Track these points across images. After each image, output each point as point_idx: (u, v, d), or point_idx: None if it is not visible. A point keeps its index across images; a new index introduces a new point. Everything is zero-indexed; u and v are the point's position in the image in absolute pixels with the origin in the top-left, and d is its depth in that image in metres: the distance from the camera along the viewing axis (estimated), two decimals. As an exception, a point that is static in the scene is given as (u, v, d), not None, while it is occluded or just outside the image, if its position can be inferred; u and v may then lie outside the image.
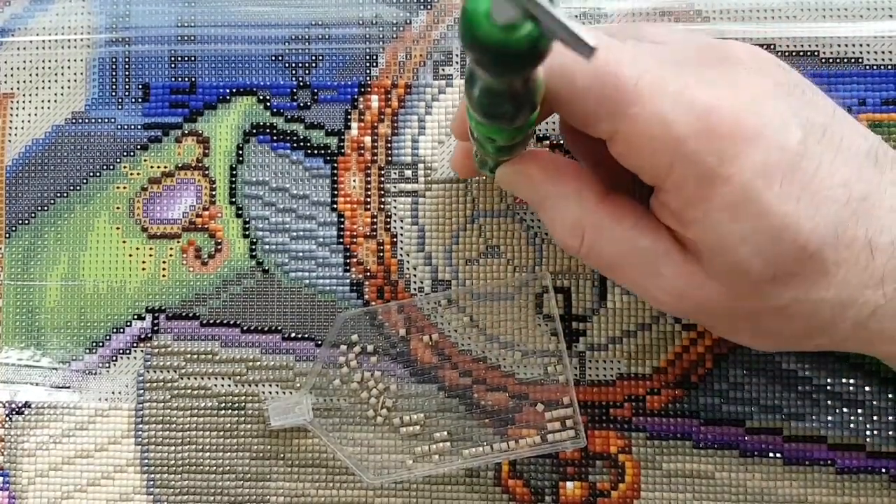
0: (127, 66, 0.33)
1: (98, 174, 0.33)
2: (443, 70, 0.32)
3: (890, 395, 0.30)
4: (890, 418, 0.29)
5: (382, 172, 0.32)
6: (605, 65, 0.21)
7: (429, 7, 0.32)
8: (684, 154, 0.21)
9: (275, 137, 0.33)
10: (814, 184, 0.22)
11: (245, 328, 0.32)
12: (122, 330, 0.33)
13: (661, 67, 0.22)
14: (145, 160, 0.33)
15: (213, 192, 0.33)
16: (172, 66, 0.33)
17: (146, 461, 0.32)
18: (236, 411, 0.32)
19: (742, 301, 0.23)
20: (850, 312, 0.23)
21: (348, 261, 0.32)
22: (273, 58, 0.33)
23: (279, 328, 0.32)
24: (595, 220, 0.24)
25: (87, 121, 0.33)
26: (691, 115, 0.21)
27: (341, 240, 0.32)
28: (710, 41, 0.24)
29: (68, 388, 0.33)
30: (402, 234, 0.32)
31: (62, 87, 0.34)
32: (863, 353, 0.25)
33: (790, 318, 0.23)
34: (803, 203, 0.21)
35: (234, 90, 0.33)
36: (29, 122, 0.34)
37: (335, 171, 0.32)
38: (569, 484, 0.31)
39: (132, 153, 0.33)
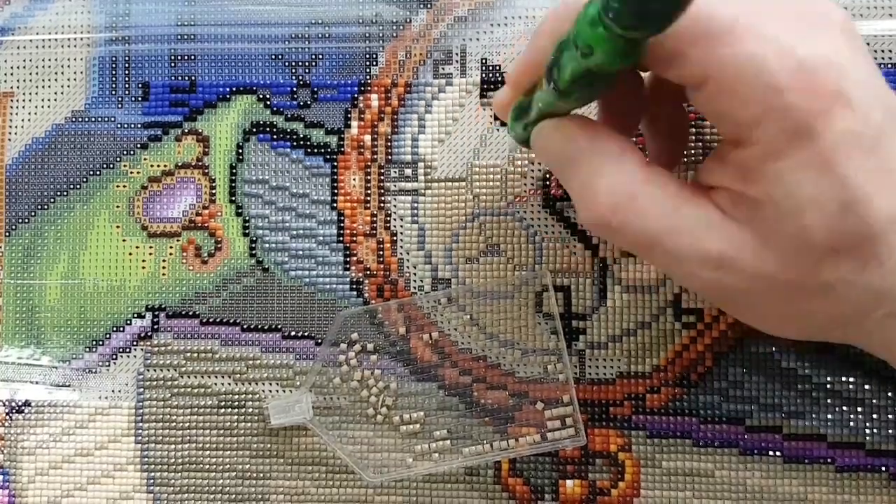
0: (127, 65, 0.33)
1: (98, 173, 0.33)
2: (443, 69, 0.32)
3: (889, 394, 0.30)
4: (889, 417, 0.30)
5: (382, 171, 0.32)
6: (700, 3, 0.20)
7: (429, 6, 0.33)
8: (780, 105, 0.20)
9: (275, 136, 0.33)
10: (888, 164, 0.21)
11: (245, 326, 0.32)
12: (122, 328, 0.33)
13: (759, 11, 0.21)
14: (145, 159, 0.33)
15: (213, 191, 0.33)
16: (172, 64, 0.33)
17: (146, 459, 0.32)
18: (236, 410, 0.32)
19: (790, 272, 0.22)
20: (885, 303, 0.22)
21: (348, 259, 0.32)
22: (273, 56, 0.33)
23: (279, 326, 0.32)
24: (635, 183, 0.23)
25: (87, 119, 0.33)
26: (791, 62, 0.20)
27: (341, 238, 0.32)
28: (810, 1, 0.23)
29: (68, 386, 0.33)
30: (401, 233, 0.32)
31: (62, 86, 0.34)
32: (880, 354, 0.25)
33: (829, 300, 0.22)
34: (878, 181, 0.21)
35: (233, 89, 0.33)
36: (29, 120, 0.34)
37: (335, 170, 0.33)
38: (569, 482, 0.31)
39: (132, 152, 0.33)
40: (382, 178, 0.32)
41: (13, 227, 0.33)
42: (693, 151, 0.31)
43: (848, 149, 0.21)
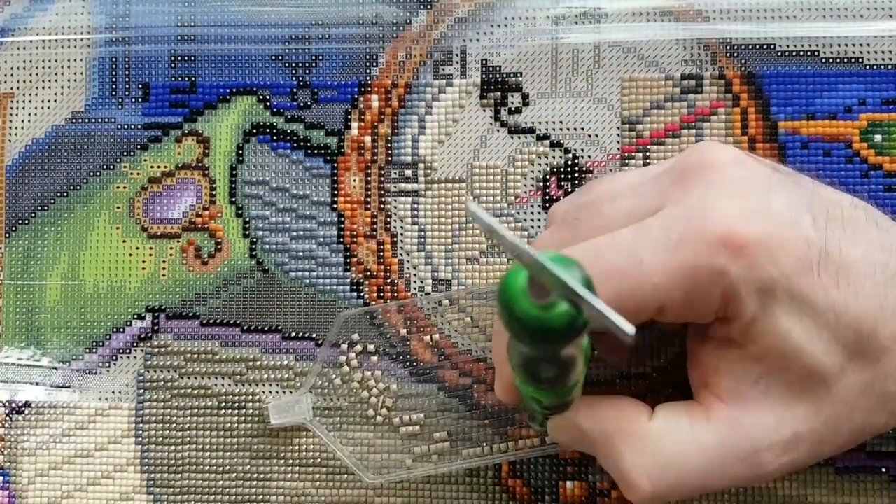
0: (127, 66, 0.33)
1: (98, 174, 0.33)
2: (443, 70, 0.32)
3: (890, 395, 0.30)
4: (890, 418, 0.30)
5: (382, 172, 0.32)
6: (606, 268, 0.21)
7: (429, 7, 0.33)
8: (732, 281, 0.21)
9: (275, 137, 0.33)
10: (844, 266, 0.21)
11: (245, 328, 0.32)
12: (122, 329, 0.33)
13: (648, 224, 0.22)
14: (145, 160, 0.33)
15: (214, 192, 0.33)
16: (172, 65, 0.33)
17: (146, 461, 0.32)
18: (236, 411, 0.32)
19: (824, 406, 0.22)
20: None
21: (348, 260, 0.32)
22: (273, 57, 0.33)
23: (279, 328, 0.32)
24: (657, 451, 0.23)
25: (87, 120, 0.33)
26: (713, 245, 0.21)
27: (341, 239, 0.32)
28: (676, 159, 0.24)
29: (68, 387, 0.33)
30: (402, 234, 0.32)
31: (62, 87, 0.34)
32: None
33: (870, 400, 0.23)
34: (843, 287, 0.21)
35: (234, 90, 0.33)
36: (29, 121, 0.34)
37: (335, 171, 0.32)
38: (569, 483, 0.31)
39: (132, 153, 0.33)
40: (383, 179, 0.32)
41: (13, 227, 0.33)
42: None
43: (805, 277, 0.21)
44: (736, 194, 0.22)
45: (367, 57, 0.33)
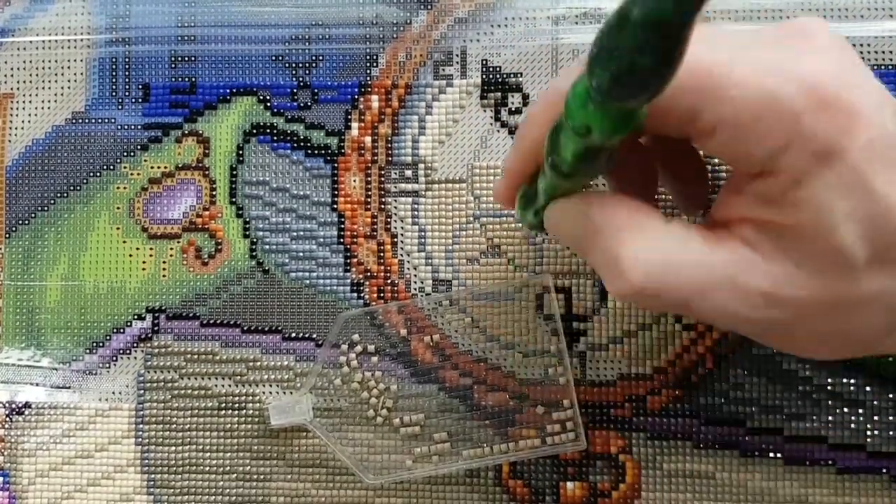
0: (127, 67, 0.33)
1: (98, 174, 0.33)
2: (443, 70, 0.32)
3: (890, 396, 0.30)
4: (890, 418, 0.29)
5: (383, 172, 0.32)
6: (691, 58, 0.19)
7: (429, 7, 0.32)
8: (801, 131, 0.20)
9: (275, 137, 0.33)
10: None
11: (245, 328, 0.32)
12: (122, 330, 0.33)
13: (746, 49, 0.21)
14: (145, 160, 0.33)
15: (214, 193, 0.33)
16: (172, 66, 0.33)
17: (146, 461, 0.32)
18: (236, 411, 0.32)
19: (834, 291, 0.22)
20: None
21: (349, 261, 0.32)
22: (273, 58, 0.33)
23: (279, 328, 0.32)
24: (663, 246, 0.22)
25: (87, 121, 0.33)
26: (800, 86, 0.20)
27: (342, 240, 0.32)
28: (778, 23, 0.23)
29: (68, 388, 0.33)
30: (402, 234, 0.32)
31: (62, 88, 0.34)
32: None
33: (876, 311, 0.22)
34: None
35: (234, 90, 0.33)
36: (29, 122, 0.34)
37: (335, 172, 0.32)
38: (569, 484, 0.31)
39: (132, 153, 0.33)
40: (383, 179, 0.32)
41: (13, 228, 0.33)
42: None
43: (872, 161, 0.20)
44: (840, 60, 0.21)
45: (368, 57, 0.33)
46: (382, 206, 0.32)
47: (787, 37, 0.22)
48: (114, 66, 0.33)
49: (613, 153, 0.21)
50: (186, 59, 0.33)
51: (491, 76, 0.32)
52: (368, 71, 0.33)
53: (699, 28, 0.21)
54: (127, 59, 0.33)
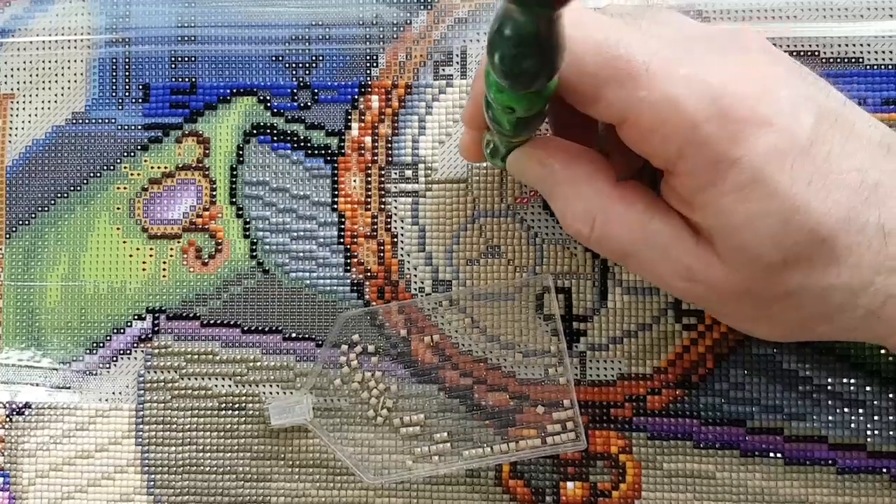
0: (127, 67, 0.33)
1: (98, 175, 0.33)
2: (443, 70, 0.32)
3: (891, 395, 0.30)
4: (891, 418, 0.29)
5: (383, 172, 0.32)
6: (616, 47, 0.21)
7: (429, 7, 0.33)
8: (696, 139, 0.21)
9: (275, 138, 0.33)
10: (825, 168, 0.21)
11: (245, 328, 0.32)
12: (122, 330, 0.33)
13: (672, 50, 0.22)
14: (146, 160, 0.33)
15: (214, 193, 0.33)
16: (173, 66, 0.33)
17: (146, 462, 0.32)
18: (237, 412, 0.32)
19: (751, 285, 0.23)
20: (861, 300, 0.22)
21: (349, 261, 0.32)
22: (273, 58, 0.33)
23: (280, 328, 0.32)
24: (606, 203, 0.24)
25: (87, 121, 0.33)
26: (704, 98, 0.21)
27: (342, 240, 0.32)
28: (722, 27, 0.24)
29: (69, 388, 0.33)
30: (402, 235, 0.32)
31: (62, 88, 0.34)
32: (872, 342, 0.25)
33: (799, 305, 0.23)
34: (814, 186, 0.21)
35: (234, 90, 0.33)
36: (29, 122, 0.34)
37: (335, 172, 0.32)
38: (569, 484, 0.31)
39: (132, 153, 0.33)
40: (383, 179, 0.32)
41: (13, 228, 0.33)
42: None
43: (774, 165, 0.21)
44: (754, 70, 0.22)
45: (368, 57, 0.33)
46: (382, 207, 0.32)
47: (720, 45, 0.23)
48: (114, 67, 0.33)
49: (544, 113, 0.23)
50: (186, 59, 0.33)
51: (491, 76, 0.32)
52: (368, 71, 0.33)
53: (635, 26, 0.22)
54: (127, 60, 0.33)
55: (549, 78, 0.20)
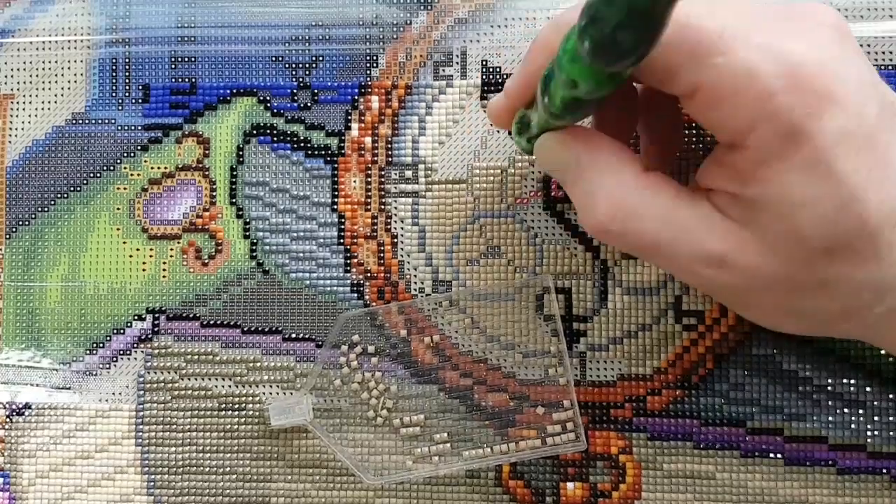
0: (127, 67, 0.33)
1: (98, 175, 0.33)
2: (443, 71, 0.32)
3: (891, 396, 0.30)
4: (891, 419, 0.29)
5: (383, 173, 0.32)
6: (686, 17, 0.21)
7: (429, 7, 0.32)
8: (771, 109, 0.20)
9: (275, 138, 0.33)
10: (885, 159, 0.21)
11: (245, 329, 0.32)
12: (122, 331, 0.33)
13: (743, 20, 0.21)
14: (146, 161, 0.33)
15: (214, 193, 0.33)
16: (173, 66, 0.33)
17: (146, 462, 0.32)
18: (237, 412, 0.32)
19: (788, 270, 0.22)
20: (887, 298, 0.22)
21: (349, 261, 0.32)
22: (273, 58, 0.33)
23: (280, 329, 0.32)
24: (634, 192, 0.23)
25: (87, 122, 0.33)
26: (780, 67, 0.20)
27: (342, 240, 0.32)
28: (792, 2, 0.23)
29: (69, 389, 0.33)
30: (402, 235, 0.32)
31: (62, 88, 0.34)
32: (883, 346, 0.25)
33: (828, 296, 0.23)
34: (873, 177, 0.21)
35: (234, 91, 0.33)
36: (29, 122, 0.34)
37: (335, 172, 0.32)
38: (569, 485, 0.31)
39: (132, 154, 0.33)
40: (383, 180, 0.32)
41: (13, 229, 0.33)
42: (694, 152, 0.31)
43: (841, 147, 0.21)
44: (827, 45, 0.21)
45: (368, 58, 0.33)
46: (382, 207, 0.32)
47: (790, 16, 0.22)
48: (114, 67, 0.33)
49: (601, 102, 0.22)
50: (186, 59, 0.33)
51: (491, 77, 0.32)
52: (368, 71, 0.33)
53: None
54: (127, 60, 0.33)
55: (639, 59, 0.18)
